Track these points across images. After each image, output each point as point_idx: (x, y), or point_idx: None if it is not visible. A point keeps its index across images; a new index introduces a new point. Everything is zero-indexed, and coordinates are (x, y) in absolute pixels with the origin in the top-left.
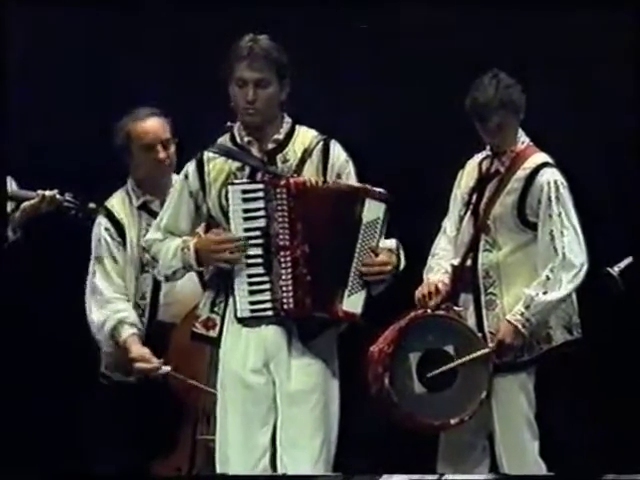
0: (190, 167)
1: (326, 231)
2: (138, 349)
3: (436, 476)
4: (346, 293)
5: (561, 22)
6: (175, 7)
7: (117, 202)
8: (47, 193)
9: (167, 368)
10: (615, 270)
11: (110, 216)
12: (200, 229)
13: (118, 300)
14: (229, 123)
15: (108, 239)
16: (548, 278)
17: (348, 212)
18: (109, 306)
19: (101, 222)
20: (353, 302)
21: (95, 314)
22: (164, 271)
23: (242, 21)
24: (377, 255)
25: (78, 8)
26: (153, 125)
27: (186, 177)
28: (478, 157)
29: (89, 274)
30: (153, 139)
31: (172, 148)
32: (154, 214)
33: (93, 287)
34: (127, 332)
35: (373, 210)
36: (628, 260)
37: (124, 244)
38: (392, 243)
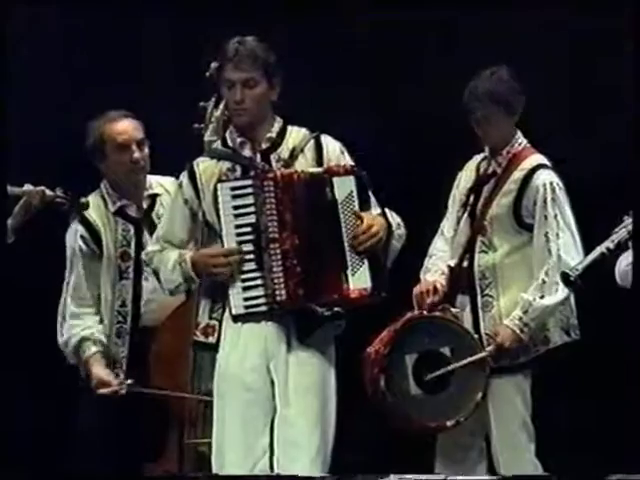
0: (183, 175)
1: (309, 220)
2: (98, 372)
3: (442, 476)
4: (349, 273)
5: (561, 22)
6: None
7: (92, 207)
8: (33, 188)
9: (129, 381)
10: (574, 272)
11: (85, 222)
12: None
13: (85, 315)
14: (196, 125)
15: (83, 247)
16: (544, 281)
17: (321, 197)
18: (75, 321)
19: (77, 229)
20: (359, 279)
21: (64, 327)
22: (167, 286)
23: (237, 24)
24: (361, 224)
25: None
26: (127, 125)
27: (180, 186)
28: (477, 159)
29: (64, 284)
30: (128, 139)
31: (146, 149)
32: (130, 219)
33: (65, 299)
34: (90, 351)
35: (343, 187)
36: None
37: (100, 251)
38: (376, 209)
